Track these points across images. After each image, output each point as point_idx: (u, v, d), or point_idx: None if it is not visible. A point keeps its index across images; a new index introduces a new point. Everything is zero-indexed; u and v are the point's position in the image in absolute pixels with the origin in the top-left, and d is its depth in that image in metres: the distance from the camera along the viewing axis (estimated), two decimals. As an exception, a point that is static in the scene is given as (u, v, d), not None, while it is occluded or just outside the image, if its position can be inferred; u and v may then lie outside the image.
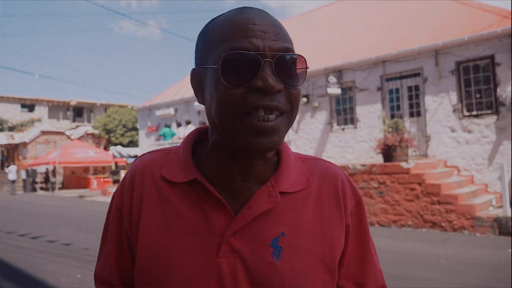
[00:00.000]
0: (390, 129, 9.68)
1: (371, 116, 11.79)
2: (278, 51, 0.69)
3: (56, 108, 38.43)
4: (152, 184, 0.78)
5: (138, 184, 0.79)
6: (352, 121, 12.29)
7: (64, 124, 36.96)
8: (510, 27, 9.27)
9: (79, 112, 39.73)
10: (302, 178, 0.79)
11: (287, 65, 0.70)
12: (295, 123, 13.64)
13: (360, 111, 12.02)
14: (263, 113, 0.68)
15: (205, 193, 0.74)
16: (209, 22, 0.77)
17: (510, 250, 6.42)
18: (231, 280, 0.71)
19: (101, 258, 0.87)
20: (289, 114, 0.72)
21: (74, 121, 38.93)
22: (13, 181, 23.50)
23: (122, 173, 19.68)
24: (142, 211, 0.77)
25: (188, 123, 14.82)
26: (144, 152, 0.87)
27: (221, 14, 0.76)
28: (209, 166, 0.77)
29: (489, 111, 9.85)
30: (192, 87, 0.79)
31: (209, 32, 0.74)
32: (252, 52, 0.67)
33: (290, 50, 0.71)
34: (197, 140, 0.84)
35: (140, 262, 0.75)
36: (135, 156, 22.33)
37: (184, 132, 14.65)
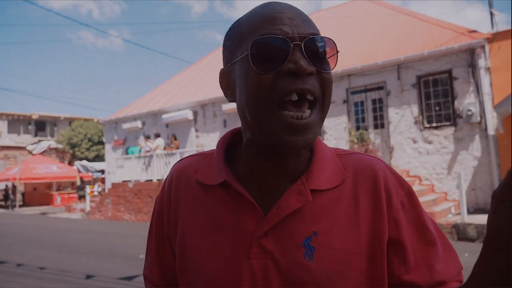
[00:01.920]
0: (356, 141, 9.96)
1: (337, 128, 12.06)
2: (307, 35, 0.68)
3: (16, 122, 36.95)
4: (187, 188, 0.80)
5: (175, 189, 0.82)
6: (320, 132, 12.47)
7: (25, 139, 35.56)
8: (466, 43, 9.83)
9: (41, 126, 38.32)
10: (336, 174, 0.75)
11: (317, 48, 0.69)
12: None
13: (327, 123, 12.26)
14: (296, 100, 0.67)
15: (236, 193, 0.74)
16: (235, 22, 0.77)
17: (466, 254, 6.70)
18: (263, 281, 0.69)
19: (147, 259, 0.89)
20: (321, 104, 0.70)
21: (36, 135, 37.48)
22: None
23: (88, 189, 19.09)
24: (179, 214, 0.79)
25: (157, 136, 14.64)
26: (183, 157, 0.89)
27: (246, 13, 0.76)
28: (242, 165, 0.77)
29: (447, 123, 10.32)
30: (221, 87, 0.78)
31: (235, 29, 0.74)
32: (281, 36, 0.66)
33: (317, 35, 0.70)
34: (231, 142, 0.83)
35: (178, 263, 0.78)
36: (101, 171, 21.82)
37: (151, 146, 14.41)
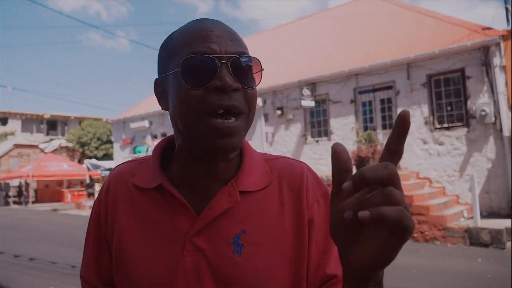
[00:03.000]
0: (364, 141, 9.74)
1: (344, 128, 11.84)
2: (234, 54, 0.73)
3: (30, 121, 37.59)
4: (124, 191, 0.84)
5: (113, 192, 0.85)
6: (326, 133, 12.31)
7: (37, 138, 36.14)
8: (480, 41, 9.48)
9: (53, 125, 38.93)
10: (264, 177, 0.82)
11: (243, 66, 0.74)
12: (269, 135, 13.63)
13: (334, 123, 12.07)
14: (223, 112, 0.71)
15: (171, 196, 0.78)
16: (171, 33, 0.81)
17: (480, 260, 6.43)
18: (195, 277, 0.74)
19: (84, 259, 0.90)
20: (246, 115, 0.76)
21: (47, 134, 38.09)
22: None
23: (97, 187, 19.23)
24: (116, 216, 0.83)
25: (164, 135, 14.65)
26: (120, 162, 0.93)
27: (181, 26, 0.81)
28: (175, 169, 0.82)
29: (460, 124, 9.99)
30: (156, 95, 0.83)
31: (169, 43, 0.79)
32: (209, 55, 0.71)
33: (245, 54, 0.75)
34: (167, 148, 0.87)
35: (115, 263, 0.81)
36: (110, 169, 21.96)
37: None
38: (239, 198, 0.77)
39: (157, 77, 0.83)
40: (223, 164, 0.79)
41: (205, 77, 0.71)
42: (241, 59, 0.74)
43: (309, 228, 0.80)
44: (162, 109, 0.82)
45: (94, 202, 0.90)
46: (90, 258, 0.88)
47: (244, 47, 0.77)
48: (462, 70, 9.93)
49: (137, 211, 0.81)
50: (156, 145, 0.87)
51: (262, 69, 0.78)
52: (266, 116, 13.58)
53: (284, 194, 0.81)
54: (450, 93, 10.20)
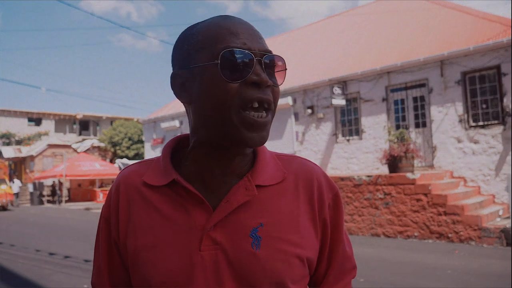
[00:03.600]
0: (396, 140, 9.62)
1: (376, 127, 11.73)
2: (265, 52, 0.76)
3: (63, 122, 38.68)
4: (135, 191, 0.84)
5: (123, 194, 0.85)
6: (357, 132, 12.23)
7: (70, 138, 37.13)
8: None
9: (85, 125, 39.92)
10: (278, 172, 0.84)
11: (272, 64, 0.78)
12: (300, 134, 13.65)
13: (365, 122, 11.97)
14: (257, 105, 0.74)
15: (185, 191, 0.78)
16: (191, 27, 0.82)
17: (518, 261, 6.28)
18: (214, 270, 0.74)
19: (95, 266, 0.90)
20: (272, 112, 0.79)
21: (80, 134, 39.10)
22: (16, 194, 24.56)
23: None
24: (130, 217, 0.82)
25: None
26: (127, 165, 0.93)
27: (202, 21, 0.82)
28: (189, 165, 0.83)
29: (495, 122, 9.75)
30: (174, 88, 0.82)
31: (195, 35, 0.79)
32: (247, 51, 0.74)
33: (271, 52, 0.79)
34: (176, 147, 0.89)
35: (131, 262, 0.81)
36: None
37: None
38: (256, 192, 0.78)
39: (172, 71, 0.83)
40: (239, 158, 0.81)
41: (242, 71, 0.73)
42: (271, 57, 0.77)
43: (322, 228, 0.84)
44: (182, 101, 0.82)
45: (102, 208, 0.89)
46: (102, 265, 0.87)
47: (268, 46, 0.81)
48: (498, 67, 9.69)
49: (150, 209, 0.81)
50: (166, 145, 0.88)
51: (286, 69, 0.81)
52: (296, 115, 13.61)
53: (300, 192, 0.83)
54: (485, 90, 9.98)
